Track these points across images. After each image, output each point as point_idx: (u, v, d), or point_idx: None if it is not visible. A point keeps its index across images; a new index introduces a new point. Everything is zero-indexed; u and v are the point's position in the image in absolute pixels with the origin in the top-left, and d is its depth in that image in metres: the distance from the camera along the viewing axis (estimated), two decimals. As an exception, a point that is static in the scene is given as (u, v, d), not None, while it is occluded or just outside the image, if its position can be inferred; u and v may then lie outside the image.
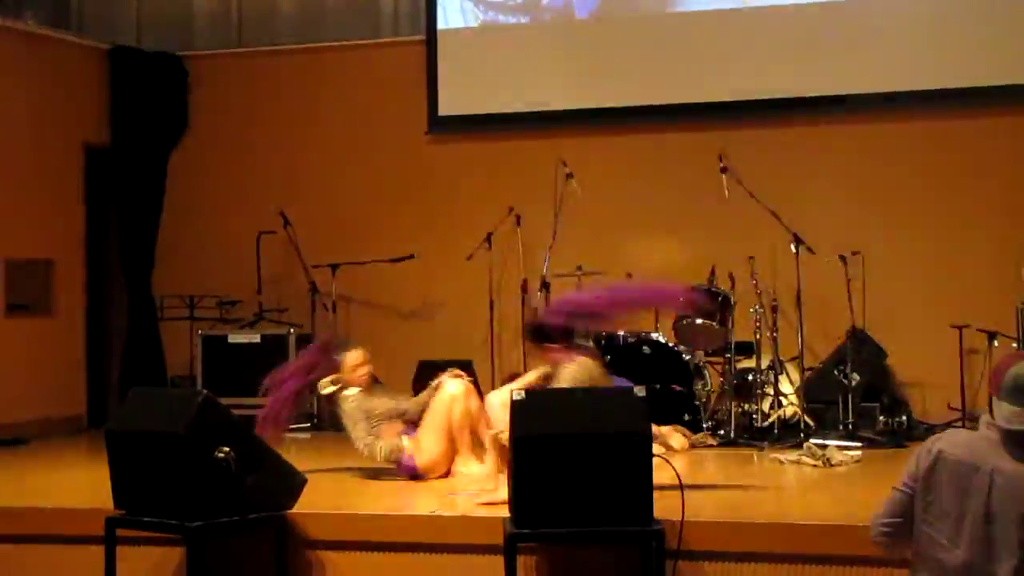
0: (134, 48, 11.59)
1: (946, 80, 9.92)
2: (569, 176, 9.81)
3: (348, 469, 7.76)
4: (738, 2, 10.36)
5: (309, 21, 11.64)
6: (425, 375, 8.69)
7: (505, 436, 5.71)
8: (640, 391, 5.49)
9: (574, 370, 6.59)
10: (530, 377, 6.88)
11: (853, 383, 9.11)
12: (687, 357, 9.13)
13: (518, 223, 10.35)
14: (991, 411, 4.04)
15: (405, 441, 7.38)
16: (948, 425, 9.11)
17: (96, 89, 11.28)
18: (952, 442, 4.10)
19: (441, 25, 11.00)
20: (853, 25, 10.11)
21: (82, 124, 11.13)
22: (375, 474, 7.44)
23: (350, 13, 11.50)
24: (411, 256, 10.65)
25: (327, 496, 6.46)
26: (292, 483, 5.93)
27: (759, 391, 9.13)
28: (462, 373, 7.68)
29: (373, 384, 7.73)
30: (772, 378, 9.16)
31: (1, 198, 10.27)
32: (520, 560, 5.49)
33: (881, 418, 9.31)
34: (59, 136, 10.88)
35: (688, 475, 6.82)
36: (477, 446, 7.49)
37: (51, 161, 10.80)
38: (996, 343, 9.28)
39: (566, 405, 5.62)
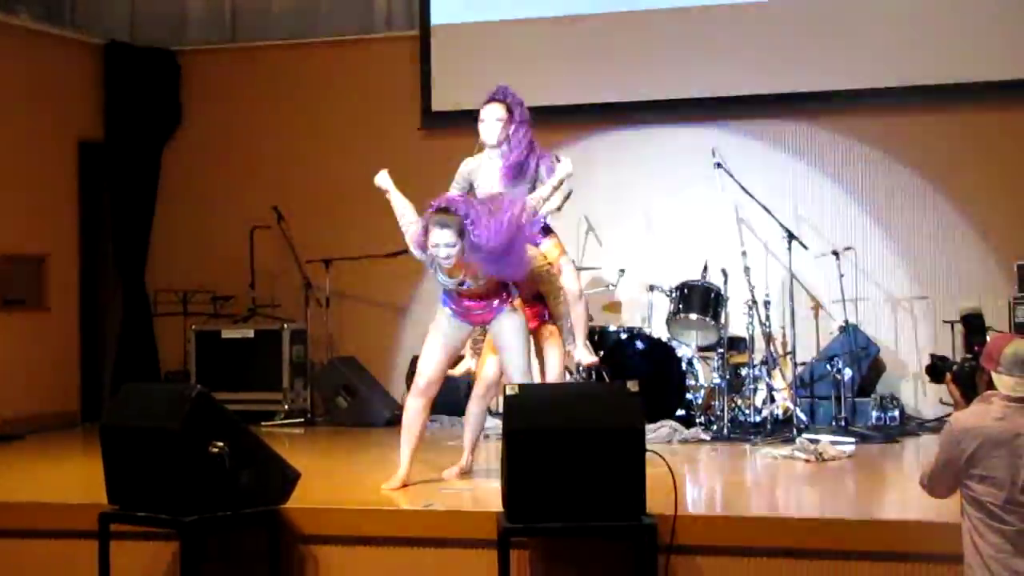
0: (127, 43, 11.58)
1: (938, 75, 9.93)
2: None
3: (341, 463, 7.77)
4: (731, -2, 10.37)
5: (302, 16, 11.63)
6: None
7: None
8: (633, 386, 5.50)
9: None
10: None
11: (845, 378, 9.13)
12: (680, 352, 9.14)
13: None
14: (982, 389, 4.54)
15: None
16: (940, 420, 9.14)
17: (90, 84, 11.27)
18: (978, 419, 4.45)
19: (435, 20, 10.99)
20: (846, 19, 10.11)
21: (75, 119, 11.12)
22: (368, 468, 7.45)
23: (343, 8, 11.49)
24: (405, 251, 10.58)
25: (320, 491, 6.47)
26: (286, 478, 5.94)
27: (752, 386, 9.15)
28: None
29: None
30: (764, 373, 9.19)
31: (-6, 193, 10.26)
32: (513, 554, 5.50)
33: (874, 413, 9.34)
34: (53, 131, 10.87)
35: (681, 470, 6.85)
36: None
37: (45, 156, 10.79)
38: (989, 338, 9.30)
39: (559, 399, 5.64)
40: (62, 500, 6.59)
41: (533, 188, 6.96)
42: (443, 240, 6.25)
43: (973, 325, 9.01)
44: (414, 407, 6.73)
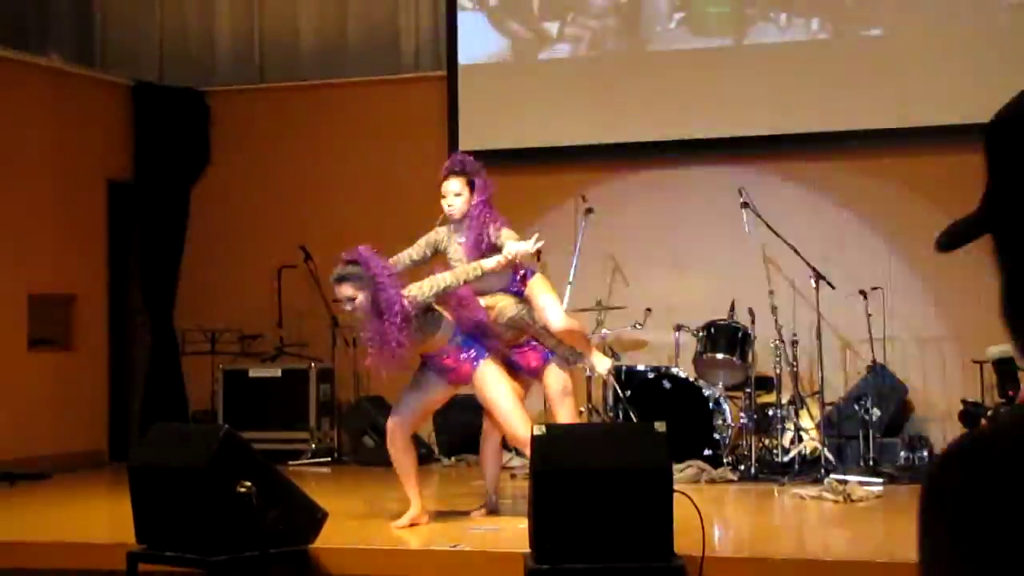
0: (157, 84, 11.69)
1: (965, 114, 9.90)
2: (589, 211, 9.83)
3: (368, 503, 7.77)
4: (759, 37, 10.39)
5: (330, 57, 11.72)
6: (444, 411, 8.72)
7: None
8: (660, 426, 5.50)
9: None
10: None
11: (873, 418, 9.10)
12: (707, 392, 9.13)
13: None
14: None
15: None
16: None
17: (119, 124, 11.37)
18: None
19: (462, 60, 11.06)
20: (873, 59, 10.12)
21: (105, 159, 11.22)
22: (396, 508, 7.45)
23: (371, 49, 11.58)
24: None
25: (348, 531, 6.48)
26: (313, 517, 5.95)
27: (779, 426, 9.12)
28: None
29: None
30: (792, 413, 9.16)
31: (25, 233, 10.33)
32: (540, 595, 5.49)
33: (902, 453, 9.29)
34: (82, 171, 10.96)
35: (709, 510, 6.82)
36: None
37: (74, 196, 10.87)
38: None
39: (587, 439, 5.65)
40: (90, 539, 6.61)
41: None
42: (346, 294, 6.36)
43: (1006, 371, 8.95)
44: (393, 451, 6.89)
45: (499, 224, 7.00)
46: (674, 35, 10.66)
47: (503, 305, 6.86)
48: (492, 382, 6.63)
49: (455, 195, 6.99)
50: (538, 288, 7.08)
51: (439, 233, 7.08)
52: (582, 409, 8.45)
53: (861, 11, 10.22)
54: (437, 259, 7.11)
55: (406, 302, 6.32)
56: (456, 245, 7.00)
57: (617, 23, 10.78)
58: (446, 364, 6.66)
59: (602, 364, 7.30)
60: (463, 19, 11.06)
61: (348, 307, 6.39)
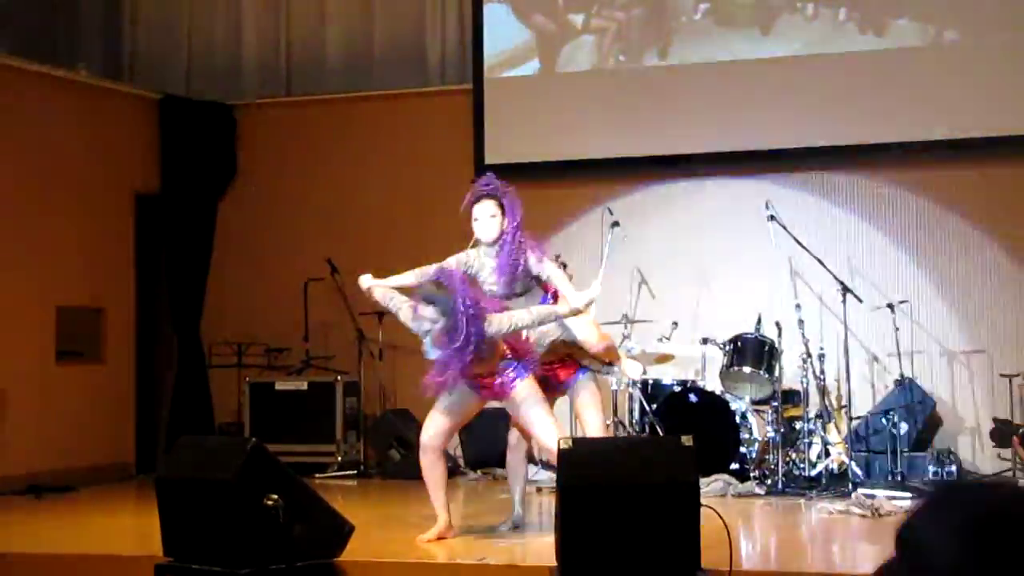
0: (184, 97, 11.74)
1: (994, 126, 9.88)
2: (615, 224, 9.83)
3: (395, 517, 7.77)
4: (785, 50, 10.38)
5: (356, 70, 11.76)
6: (470, 424, 8.71)
7: None
8: (687, 440, 5.50)
9: None
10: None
11: (901, 432, 9.06)
12: (734, 405, 9.11)
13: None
14: None
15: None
16: (998, 475, 9.05)
17: (146, 138, 11.42)
18: None
19: (488, 73, 11.08)
20: (899, 71, 10.08)
21: (132, 172, 11.27)
22: (422, 521, 7.46)
23: (397, 62, 11.61)
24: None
25: (375, 544, 6.48)
26: (340, 531, 5.96)
27: (806, 440, 9.09)
28: None
29: None
30: (819, 427, 9.13)
31: (53, 246, 10.39)
32: (567, 610, 5.48)
33: (930, 468, 9.25)
34: (110, 184, 11.01)
35: (736, 525, 6.81)
36: None
37: (102, 209, 10.92)
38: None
39: (613, 454, 5.64)
40: (117, 552, 6.64)
41: (527, 281, 6.95)
42: (427, 314, 6.30)
43: None
44: (425, 463, 6.82)
45: (539, 254, 6.95)
46: (696, 49, 10.62)
47: (544, 329, 6.87)
48: (533, 401, 6.61)
49: (490, 217, 6.93)
50: (557, 278, 7.05)
51: (469, 256, 7.04)
52: (608, 423, 8.45)
53: (891, 21, 10.18)
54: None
55: (483, 339, 6.30)
56: (488, 268, 6.98)
57: (643, 13, 10.73)
58: (482, 381, 6.66)
59: (634, 370, 7.36)
60: (489, 32, 11.08)
61: (424, 326, 6.35)
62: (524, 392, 6.61)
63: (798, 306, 9.27)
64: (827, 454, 9.03)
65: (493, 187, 7.00)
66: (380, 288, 6.82)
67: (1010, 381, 9.39)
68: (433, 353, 6.43)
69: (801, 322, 9.18)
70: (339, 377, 10.71)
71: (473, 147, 11.04)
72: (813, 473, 8.96)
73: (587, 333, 7.02)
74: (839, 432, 9.22)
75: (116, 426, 10.92)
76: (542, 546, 6.31)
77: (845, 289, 9.10)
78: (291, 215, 11.58)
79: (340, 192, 11.46)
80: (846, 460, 8.89)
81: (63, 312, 10.50)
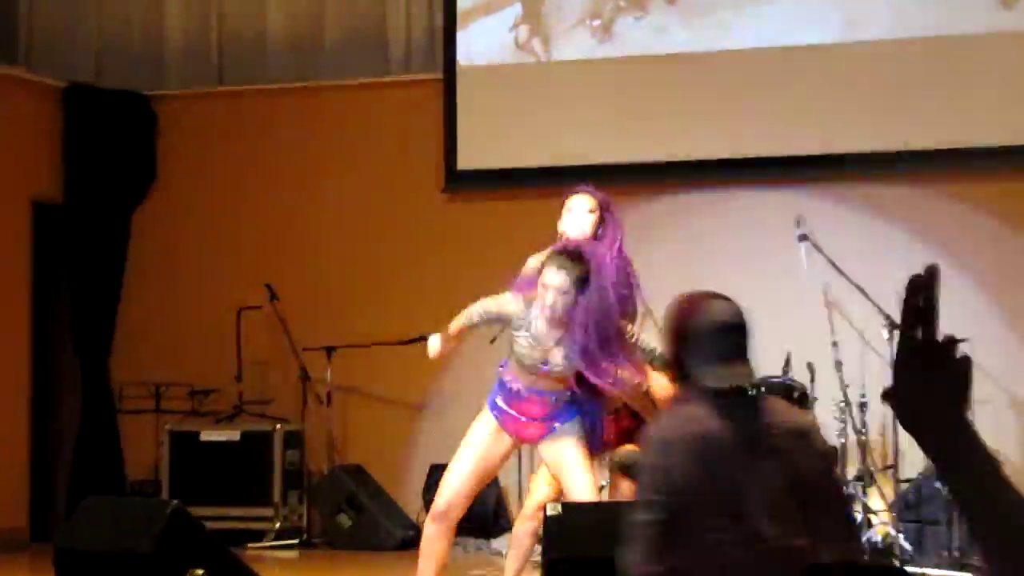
0: (93, 86, 11.70)
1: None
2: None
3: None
4: (825, 36, 10.38)
5: (303, 55, 11.74)
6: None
7: None
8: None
9: None
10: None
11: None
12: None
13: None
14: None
15: None
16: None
17: (47, 134, 11.38)
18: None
19: (462, 61, 11.07)
20: (957, 67, 10.11)
21: (30, 175, 11.23)
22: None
23: (354, 46, 11.59)
24: (423, 338, 10.62)
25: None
26: (278, 614, 5.93)
27: (845, 506, 9.09)
28: None
29: None
30: (860, 491, 9.11)
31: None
32: None
33: (994, 542, 9.23)
34: (3, 189, 10.96)
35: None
36: None
37: (-8, 220, 10.89)
38: None
39: (610, 522, 5.59)
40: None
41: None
42: (555, 283, 6.23)
43: None
44: (431, 533, 6.69)
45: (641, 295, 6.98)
46: (713, 36, 10.63)
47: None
48: (584, 458, 6.54)
49: (588, 211, 6.92)
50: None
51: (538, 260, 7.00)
52: (603, 483, 8.43)
53: (946, 8, 10.22)
54: None
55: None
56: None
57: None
58: (526, 410, 6.55)
59: None
60: (463, 11, 11.09)
61: (551, 298, 6.31)
62: (574, 436, 6.56)
63: (835, 344, 9.26)
64: (869, 525, 9.01)
65: (591, 190, 7.01)
66: (454, 325, 6.76)
67: (1091, 437, 9.40)
68: (527, 355, 6.37)
69: (839, 364, 9.17)
70: (278, 426, 10.67)
71: (444, 149, 11.03)
72: (852, 547, 8.95)
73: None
74: (884, 498, 9.20)
75: (5, 484, 10.84)
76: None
77: (892, 324, 9.09)
78: (222, 230, 11.55)
79: (282, 203, 11.43)
80: (892, 532, 8.87)
81: (-57, 344, 10.45)
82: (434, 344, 6.86)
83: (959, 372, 1.98)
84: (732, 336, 4.06)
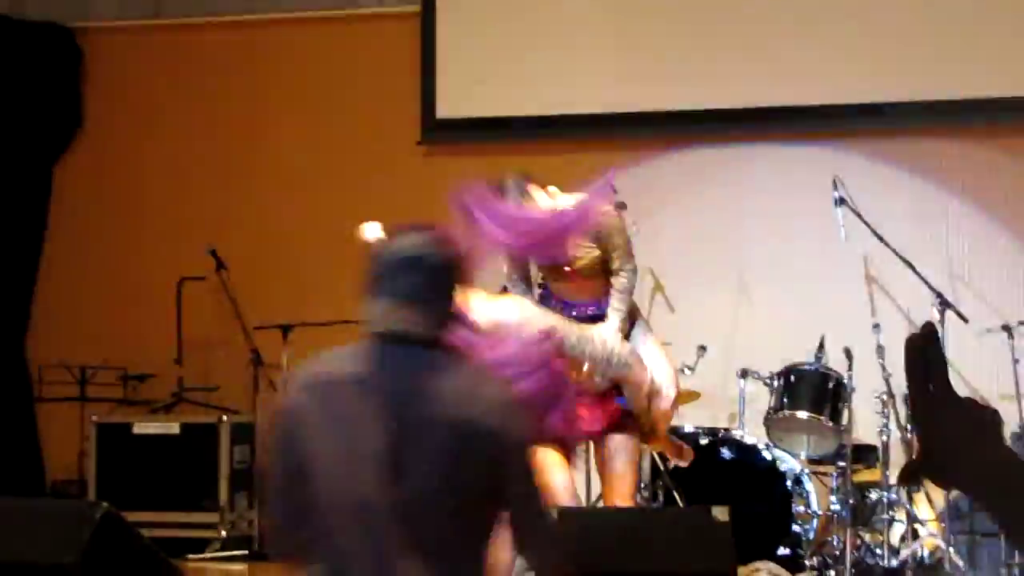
0: (7, 16, 11.66)
1: None
2: (619, 206, 9.79)
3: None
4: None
5: (257, -17, 11.74)
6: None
7: None
8: (722, 513, 5.49)
9: None
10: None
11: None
12: (783, 465, 9.10)
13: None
14: None
15: None
16: None
17: (-46, 73, 11.38)
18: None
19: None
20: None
21: (-67, 122, 11.23)
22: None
23: (315, -28, 11.60)
24: (394, 315, 10.63)
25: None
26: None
27: (886, 516, 9.09)
28: None
29: None
30: (904, 498, 9.13)
31: None
32: None
33: (1060, 556, 9.28)
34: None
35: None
36: None
37: None
38: None
39: (621, 532, 5.61)
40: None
41: None
42: None
43: None
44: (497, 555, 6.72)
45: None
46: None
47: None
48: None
49: None
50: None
51: None
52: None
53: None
54: None
55: None
56: None
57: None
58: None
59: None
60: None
61: None
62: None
63: (877, 326, 9.27)
64: (915, 536, 9.03)
65: None
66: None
67: None
68: None
69: (880, 349, 9.17)
70: (224, 417, 10.65)
71: (420, 94, 11.02)
72: (895, 563, 8.96)
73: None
74: (932, 506, 9.22)
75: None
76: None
77: (944, 304, 9.10)
78: (160, 186, 11.53)
79: (230, 155, 11.42)
80: (942, 545, 8.89)
81: None
82: None
83: (984, 413, 1.93)
84: (409, 274, 3.98)
